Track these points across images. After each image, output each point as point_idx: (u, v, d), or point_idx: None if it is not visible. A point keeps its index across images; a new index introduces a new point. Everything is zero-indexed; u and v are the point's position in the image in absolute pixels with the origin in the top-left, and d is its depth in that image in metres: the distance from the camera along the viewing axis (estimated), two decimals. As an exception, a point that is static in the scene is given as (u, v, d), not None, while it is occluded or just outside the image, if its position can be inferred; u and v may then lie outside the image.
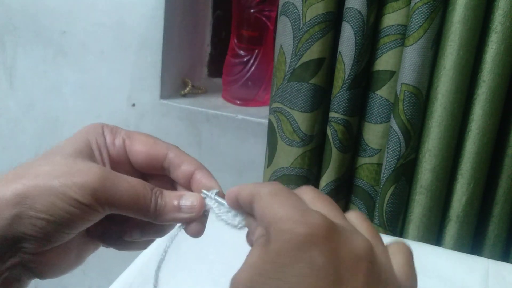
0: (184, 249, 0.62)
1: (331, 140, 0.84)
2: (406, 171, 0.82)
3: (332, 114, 0.83)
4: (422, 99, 0.79)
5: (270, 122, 0.88)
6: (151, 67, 1.10)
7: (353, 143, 0.86)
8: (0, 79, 1.23)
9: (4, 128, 1.28)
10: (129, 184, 0.36)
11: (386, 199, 0.83)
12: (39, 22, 1.16)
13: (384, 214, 0.84)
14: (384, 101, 0.83)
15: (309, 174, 0.88)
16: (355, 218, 0.33)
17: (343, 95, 0.81)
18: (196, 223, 0.38)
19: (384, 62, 0.81)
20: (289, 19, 0.81)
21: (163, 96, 1.11)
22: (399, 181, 0.82)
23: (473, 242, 0.85)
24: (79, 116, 1.19)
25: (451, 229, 0.83)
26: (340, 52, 0.80)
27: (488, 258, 0.72)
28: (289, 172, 0.87)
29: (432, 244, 0.82)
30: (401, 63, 0.78)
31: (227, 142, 1.09)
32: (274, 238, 0.28)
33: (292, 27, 0.81)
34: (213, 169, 0.40)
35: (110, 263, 1.25)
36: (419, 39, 0.75)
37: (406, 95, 0.78)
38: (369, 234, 0.31)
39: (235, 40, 1.09)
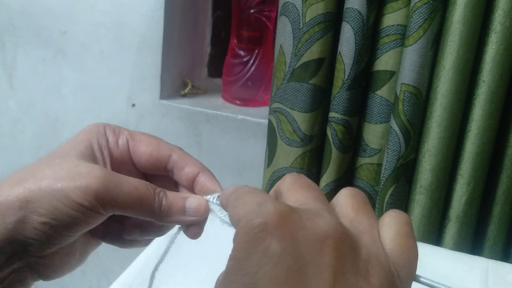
0: (184, 250, 0.62)
1: (331, 140, 0.84)
2: (406, 171, 0.82)
3: (332, 114, 0.83)
4: (422, 99, 0.79)
5: (270, 122, 0.88)
6: (151, 67, 1.09)
7: (353, 143, 0.86)
8: (0, 79, 1.23)
9: (4, 128, 1.28)
10: (131, 185, 0.36)
11: (386, 199, 0.83)
12: (39, 22, 1.16)
13: (384, 214, 0.84)
14: (384, 101, 0.83)
15: (309, 174, 0.88)
16: (342, 195, 0.31)
17: (343, 95, 0.81)
18: (195, 225, 0.39)
19: (384, 62, 0.81)
20: (289, 19, 0.81)
21: (163, 96, 1.11)
22: (399, 181, 0.82)
23: (473, 242, 0.85)
24: (79, 116, 1.19)
25: (451, 229, 0.83)
26: (340, 52, 0.80)
27: (488, 258, 0.72)
28: (289, 172, 0.87)
29: (432, 244, 0.82)
30: (401, 63, 0.78)
31: (227, 142, 1.09)
32: (235, 237, 0.28)
33: (292, 27, 0.81)
34: (213, 169, 0.41)
35: (110, 263, 1.26)
36: (419, 39, 0.75)
37: (406, 95, 0.78)
38: (352, 209, 0.30)
39: (235, 40, 1.09)
